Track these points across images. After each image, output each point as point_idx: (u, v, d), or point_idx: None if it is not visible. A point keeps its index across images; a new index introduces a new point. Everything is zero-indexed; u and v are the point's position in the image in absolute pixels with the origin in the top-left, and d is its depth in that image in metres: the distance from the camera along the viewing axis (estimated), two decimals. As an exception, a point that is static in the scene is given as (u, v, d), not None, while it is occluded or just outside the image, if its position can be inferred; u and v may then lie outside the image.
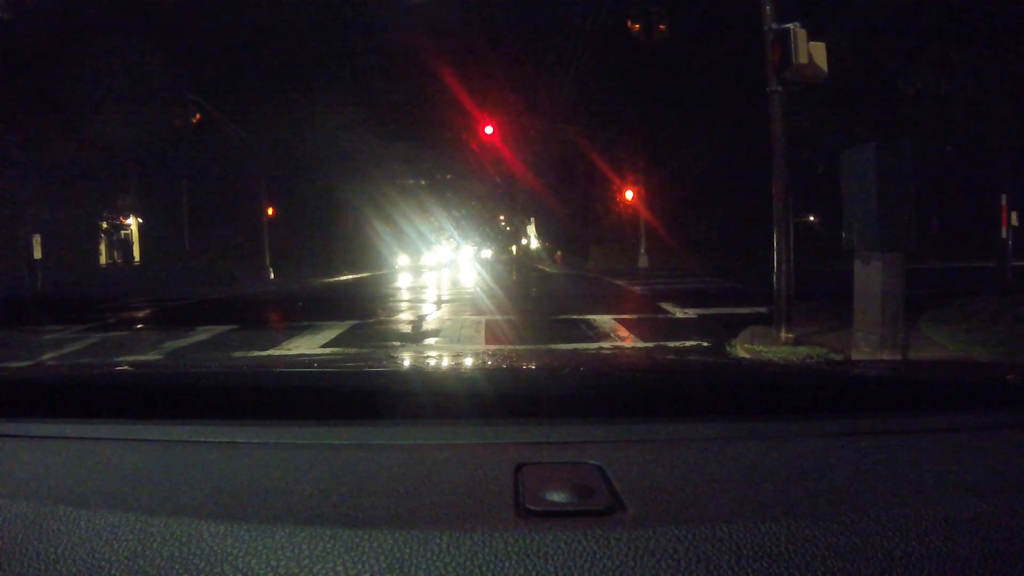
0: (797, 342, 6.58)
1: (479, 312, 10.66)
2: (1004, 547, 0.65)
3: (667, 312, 9.96)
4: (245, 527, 0.68)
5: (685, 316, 9.48)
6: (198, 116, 19.61)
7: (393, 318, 10.27)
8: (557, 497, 0.73)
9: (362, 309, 11.68)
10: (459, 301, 13.04)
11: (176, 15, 25.85)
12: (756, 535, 0.65)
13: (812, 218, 30.97)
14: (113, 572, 0.64)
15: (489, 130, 24.47)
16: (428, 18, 30.04)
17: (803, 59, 6.81)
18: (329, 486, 0.79)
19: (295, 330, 8.46)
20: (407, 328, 8.94)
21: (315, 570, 0.62)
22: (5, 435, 1.00)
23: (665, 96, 25.58)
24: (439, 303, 12.89)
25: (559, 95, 27.70)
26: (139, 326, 10.98)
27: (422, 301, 13.47)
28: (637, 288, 14.89)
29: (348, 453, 0.90)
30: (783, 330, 6.77)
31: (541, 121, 28.66)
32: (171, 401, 1.14)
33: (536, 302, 12.45)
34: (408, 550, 0.64)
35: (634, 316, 9.42)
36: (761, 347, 6.54)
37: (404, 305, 12.63)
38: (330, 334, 7.98)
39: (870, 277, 5.11)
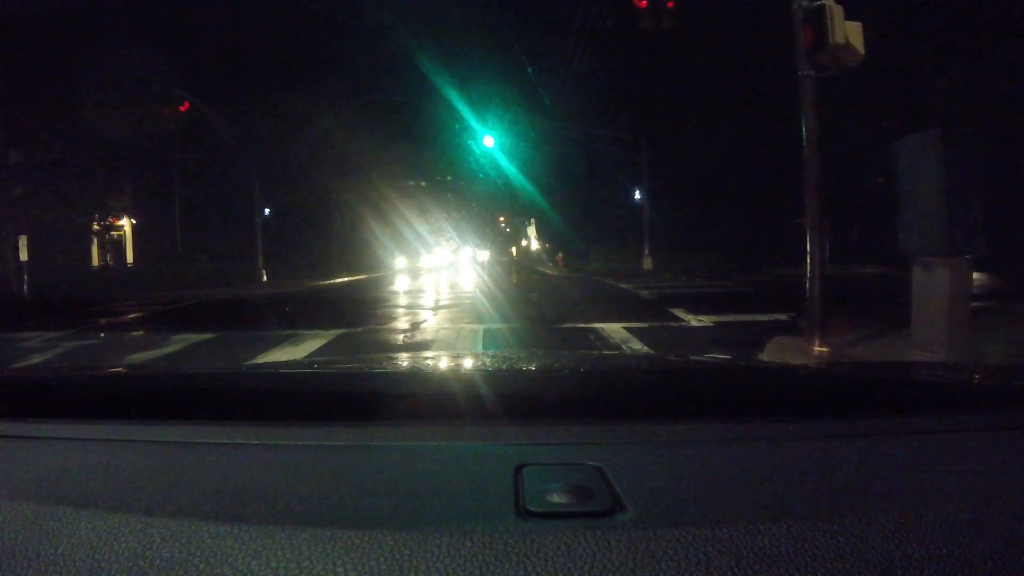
0: (833, 355, 5.89)
1: (478, 319, 9.93)
2: (1005, 549, 0.64)
3: (680, 320, 9.24)
4: (245, 528, 0.68)
5: (700, 324, 8.76)
6: (186, 104, 18.77)
7: (384, 326, 9.52)
8: (557, 498, 0.73)
9: (352, 316, 10.95)
10: (457, 307, 12.30)
11: (172, 13, 25.32)
12: (756, 537, 0.65)
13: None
14: (113, 573, 0.64)
15: (489, 141, 23.94)
16: (428, 20, 29.62)
17: (840, 39, 6.11)
18: (329, 487, 0.79)
19: (275, 340, 7.73)
20: (398, 338, 8.20)
21: (315, 571, 0.62)
22: (5, 436, 1.00)
23: (668, 93, 24.97)
24: (435, 308, 12.14)
25: (560, 94, 27.07)
26: (113, 333, 10.25)
27: (417, 307, 12.72)
28: (645, 292, 14.15)
29: (348, 454, 0.91)
30: (816, 342, 6.09)
31: (542, 121, 27.99)
32: (171, 402, 1.14)
33: (538, 308, 11.66)
34: (408, 551, 0.64)
35: (645, 324, 8.70)
36: (793, 362, 5.82)
37: (398, 311, 11.87)
38: (312, 345, 7.26)
39: (933, 285, 4.39)
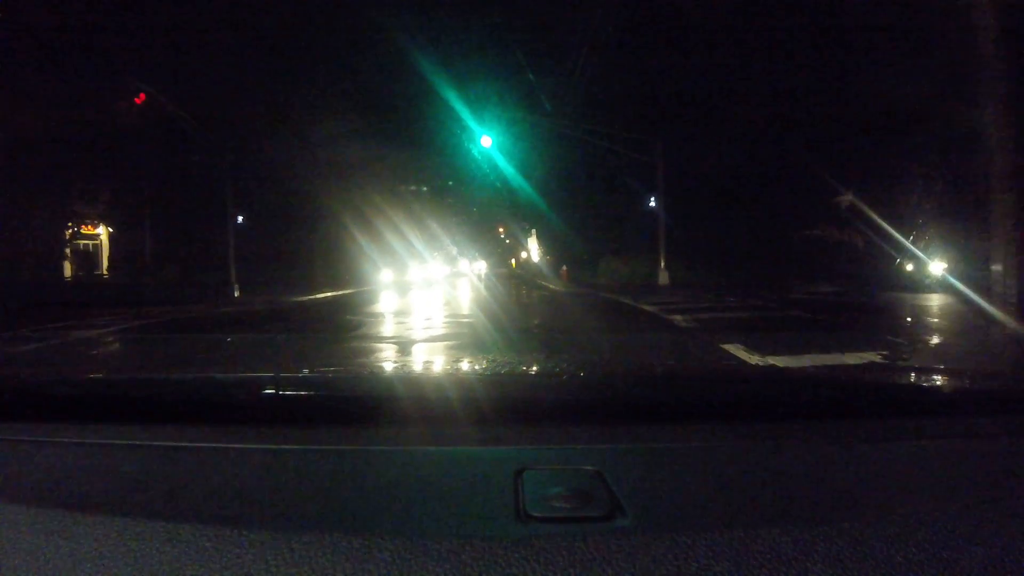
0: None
1: (472, 361, 7.48)
2: (1004, 553, 0.63)
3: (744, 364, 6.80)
4: (246, 532, 0.68)
5: (777, 373, 6.32)
6: (143, 96, 16.54)
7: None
8: (557, 502, 0.74)
9: (308, 351, 8.53)
10: (447, 338, 9.83)
11: (155, 10, 23.29)
12: (756, 541, 0.64)
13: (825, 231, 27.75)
14: (114, 575, 0.64)
15: (487, 141, 22.04)
16: (427, 20, 27.99)
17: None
18: (330, 491, 0.79)
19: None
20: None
21: (315, 575, 0.61)
22: (6, 439, 1.00)
23: (683, 91, 22.81)
24: (419, 342, 9.68)
25: (563, 95, 24.87)
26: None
27: (396, 338, 10.25)
28: (677, 317, 11.63)
29: (349, 458, 0.91)
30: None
31: (544, 122, 25.70)
32: (172, 406, 1.13)
33: (551, 344, 9.14)
34: (409, 555, 0.63)
35: (703, 373, 6.25)
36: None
37: (370, 345, 9.41)
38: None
39: None
